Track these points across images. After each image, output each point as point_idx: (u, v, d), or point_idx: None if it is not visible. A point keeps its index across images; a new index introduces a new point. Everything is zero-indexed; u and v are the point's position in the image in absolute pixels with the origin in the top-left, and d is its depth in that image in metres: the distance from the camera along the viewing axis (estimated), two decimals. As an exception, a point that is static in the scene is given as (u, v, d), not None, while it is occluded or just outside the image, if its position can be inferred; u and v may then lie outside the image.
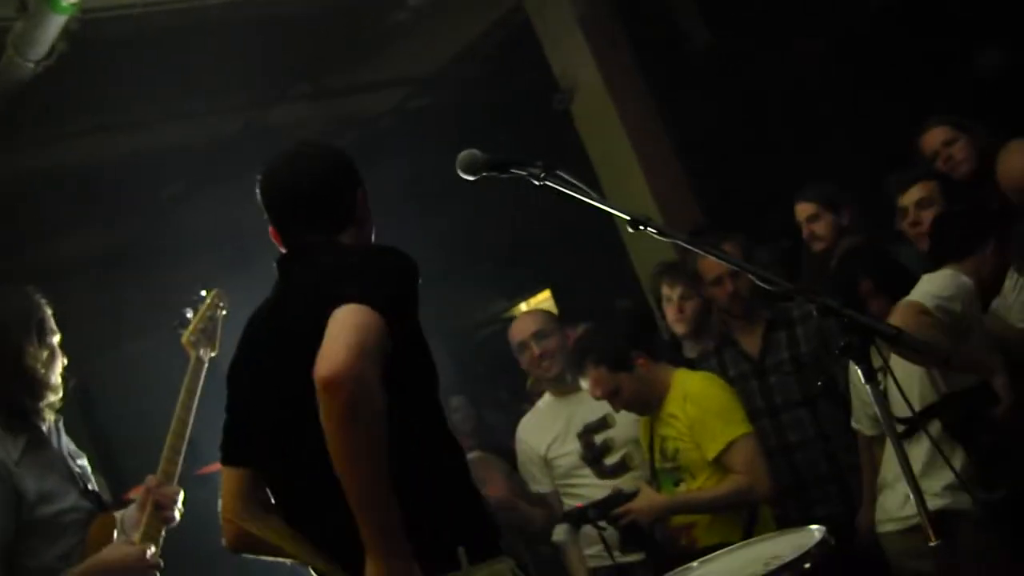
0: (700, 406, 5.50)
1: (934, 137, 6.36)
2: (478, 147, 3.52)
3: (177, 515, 4.78)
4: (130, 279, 11.07)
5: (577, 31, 8.62)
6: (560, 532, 5.74)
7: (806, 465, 5.98)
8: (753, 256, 6.72)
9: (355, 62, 9.55)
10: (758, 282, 3.15)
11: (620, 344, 5.65)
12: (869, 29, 9.47)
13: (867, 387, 3.04)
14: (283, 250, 3.66)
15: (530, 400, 6.90)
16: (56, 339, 4.68)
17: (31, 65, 6.41)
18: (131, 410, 6.32)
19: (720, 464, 5.48)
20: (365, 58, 9.59)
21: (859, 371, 3.02)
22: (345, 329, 3.04)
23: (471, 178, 3.52)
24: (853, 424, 5.76)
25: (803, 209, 6.69)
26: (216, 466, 4.55)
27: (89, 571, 4.47)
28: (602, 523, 5.49)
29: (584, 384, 5.70)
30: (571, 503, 5.99)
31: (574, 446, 6.15)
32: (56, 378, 4.63)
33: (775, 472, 5.65)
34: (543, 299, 14.34)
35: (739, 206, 9.22)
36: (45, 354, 4.59)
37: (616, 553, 5.58)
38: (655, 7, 9.74)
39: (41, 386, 4.56)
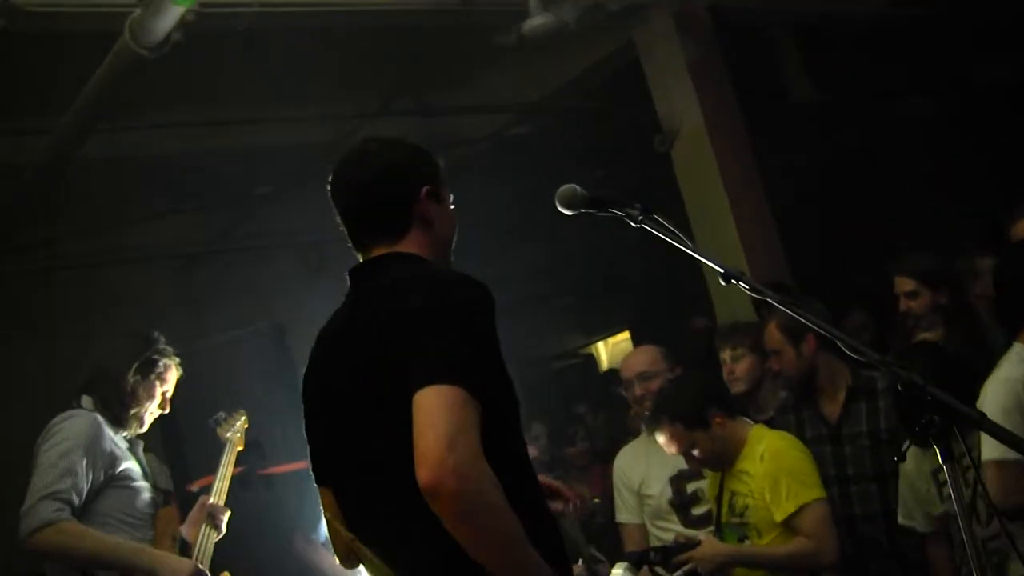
0: (775, 465, 5.45)
1: None
2: (574, 181, 3.50)
3: (224, 528, 5.68)
4: (213, 272, 11.16)
5: (685, 75, 8.61)
6: (619, 573, 5.71)
7: (868, 539, 5.89)
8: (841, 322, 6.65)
9: (459, 83, 9.60)
10: (845, 349, 3.10)
11: (696, 401, 5.61)
12: (979, 99, 9.39)
13: (945, 467, 2.99)
14: (356, 255, 3.63)
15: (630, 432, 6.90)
16: (159, 384, 5.61)
17: (144, 52, 6.46)
18: (202, 401, 6.38)
19: (789, 526, 5.42)
20: (469, 80, 9.64)
21: (938, 452, 2.96)
22: (431, 422, 2.99)
23: (569, 213, 3.50)
24: (902, 520, 5.67)
25: (902, 283, 6.57)
26: (279, 468, 4.70)
27: (160, 559, 5.22)
28: (660, 569, 5.44)
29: (660, 440, 5.68)
30: (655, 542, 5.96)
31: (665, 489, 6.12)
32: (144, 411, 5.56)
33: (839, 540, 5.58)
34: (621, 339, 14.33)
35: (828, 267, 9.16)
36: (141, 388, 5.53)
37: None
38: (763, 59, 9.73)
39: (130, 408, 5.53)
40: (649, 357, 6.57)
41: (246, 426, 6.24)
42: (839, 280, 8.40)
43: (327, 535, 3.59)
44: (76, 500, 5.10)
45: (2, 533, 5.39)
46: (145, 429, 5.63)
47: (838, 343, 3.13)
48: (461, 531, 2.98)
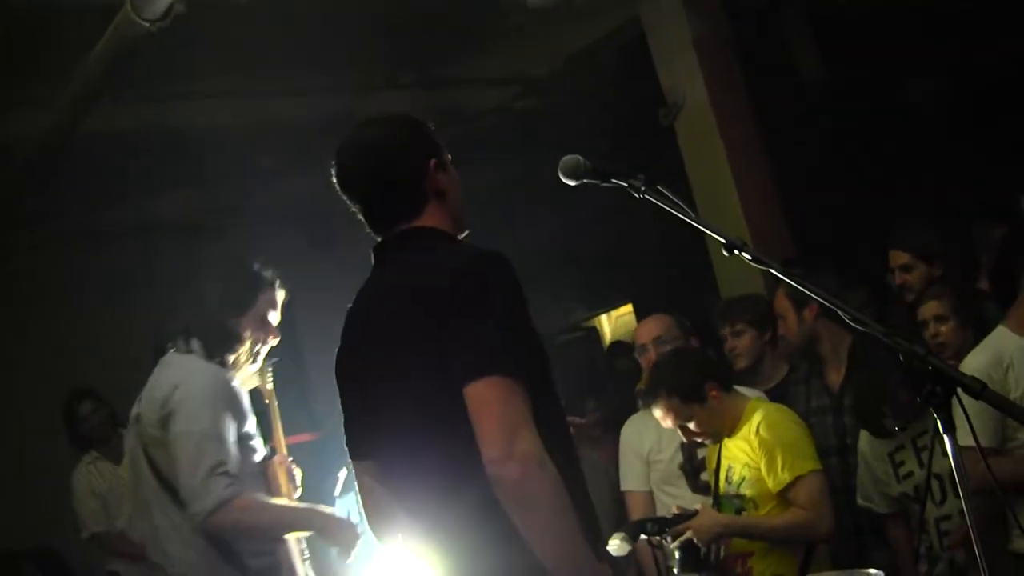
0: (772, 438, 5.47)
1: None
2: (580, 154, 3.51)
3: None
4: (216, 246, 11.18)
5: (690, 50, 8.60)
6: (616, 543, 5.72)
7: (866, 508, 5.91)
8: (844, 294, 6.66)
9: (465, 56, 9.58)
10: (849, 321, 3.11)
11: (692, 375, 5.62)
12: (991, 76, 9.36)
13: (945, 437, 2.99)
14: (375, 235, 3.64)
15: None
16: (266, 315, 5.31)
17: (146, 24, 6.46)
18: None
19: (785, 498, 5.45)
20: (475, 53, 9.62)
21: (938, 421, 2.97)
22: (491, 415, 3.09)
23: (572, 183, 3.52)
24: (860, 502, 5.73)
25: (897, 257, 6.59)
26: (300, 437, 4.76)
27: (329, 522, 5.17)
28: (658, 539, 5.46)
29: (656, 413, 5.69)
30: (662, 510, 5.97)
31: (676, 454, 6.14)
32: (256, 351, 5.33)
33: (836, 511, 5.61)
34: (624, 312, 14.32)
35: (831, 241, 9.15)
36: (245, 322, 5.25)
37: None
38: (771, 36, 9.70)
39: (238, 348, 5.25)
40: (664, 323, 6.60)
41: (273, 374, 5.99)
42: (843, 256, 8.38)
43: (347, 509, 3.64)
44: (234, 468, 4.99)
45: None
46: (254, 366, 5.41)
47: (840, 313, 3.14)
48: (522, 518, 3.07)
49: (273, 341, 5.37)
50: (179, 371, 5.12)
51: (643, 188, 3.41)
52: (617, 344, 11.70)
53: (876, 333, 3.04)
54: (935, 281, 6.39)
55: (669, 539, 5.40)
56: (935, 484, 5.33)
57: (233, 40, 7.83)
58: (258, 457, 5.24)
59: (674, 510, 5.60)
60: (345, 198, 3.64)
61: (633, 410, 6.68)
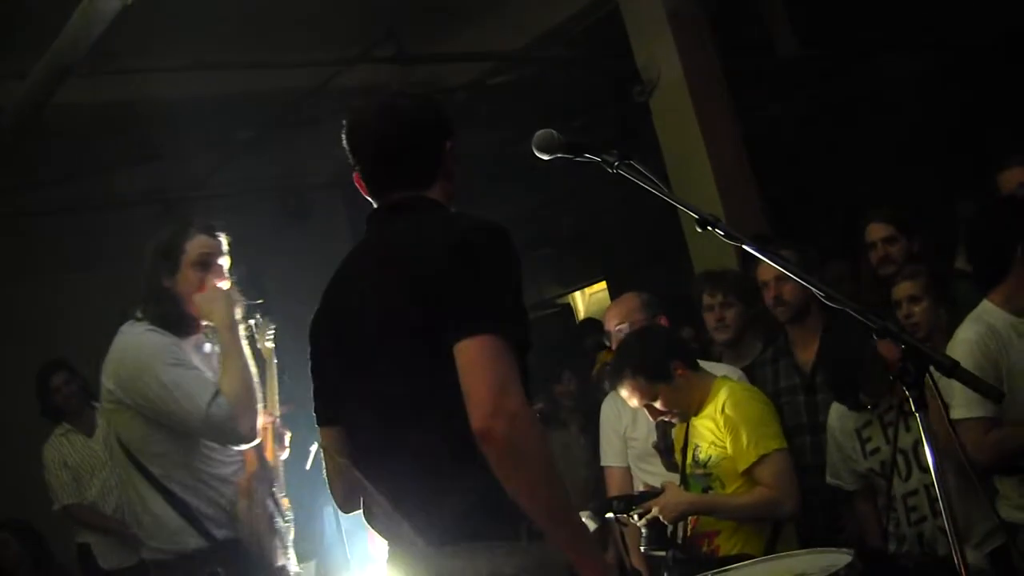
0: (737, 417, 5.47)
1: (1013, 177, 6.27)
2: (554, 129, 3.50)
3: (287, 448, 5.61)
4: (189, 216, 11.16)
5: (665, 26, 8.60)
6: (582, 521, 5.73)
7: (836, 486, 5.93)
8: (818, 269, 6.66)
9: (439, 31, 9.56)
10: (820, 296, 3.11)
11: (658, 353, 5.62)
12: (968, 53, 9.38)
13: (918, 415, 3.00)
14: (370, 199, 3.62)
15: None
16: (203, 272, 5.20)
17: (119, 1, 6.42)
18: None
19: (751, 476, 5.46)
20: (450, 29, 9.60)
21: (911, 397, 2.98)
22: (482, 370, 3.08)
23: (545, 158, 3.50)
24: (829, 479, 5.74)
25: (878, 230, 6.58)
26: None
27: None
28: (624, 517, 5.47)
29: (622, 393, 5.69)
30: (640, 487, 5.99)
31: (650, 433, 6.14)
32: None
33: (807, 489, 5.62)
34: (598, 289, 14.35)
35: (804, 218, 9.17)
36: (180, 277, 5.15)
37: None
38: (746, 11, 9.70)
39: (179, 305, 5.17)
40: (630, 305, 6.59)
41: (275, 334, 6.01)
42: (816, 231, 8.41)
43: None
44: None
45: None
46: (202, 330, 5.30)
47: (813, 290, 3.14)
48: (510, 475, 3.06)
49: (225, 285, 5.27)
50: (123, 340, 5.13)
51: (616, 163, 3.39)
52: (587, 321, 11.71)
53: (850, 309, 3.04)
54: (913, 256, 6.41)
55: (636, 517, 5.41)
56: (900, 460, 5.35)
57: (207, 14, 7.79)
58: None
59: (640, 488, 5.61)
60: (352, 154, 3.60)
61: (598, 388, 6.69)
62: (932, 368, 2.96)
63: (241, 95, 9.37)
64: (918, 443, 5.19)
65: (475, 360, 3.09)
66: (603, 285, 13.84)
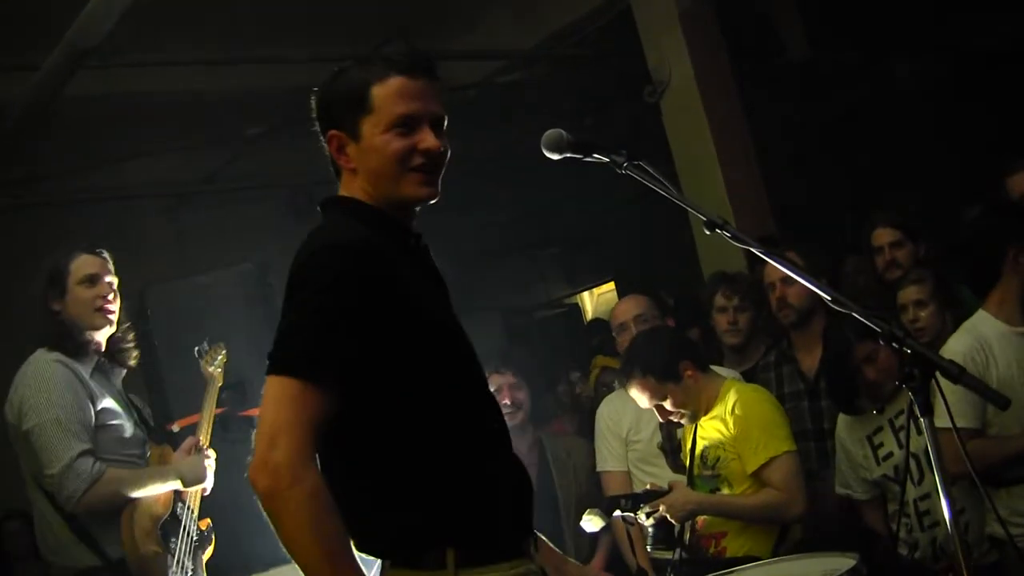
0: (746, 418, 5.47)
1: (1021, 181, 6.25)
2: (564, 129, 3.48)
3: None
4: (200, 212, 11.16)
5: (677, 27, 8.59)
6: (590, 520, 5.72)
7: (846, 496, 5.91)
8: (827, 273, 6.65)
9: (451, 29, 9.55)
10: (827, 300, 3.10)
11: (668, 354, 5.62)
12: (979, 57, 9.35)
13: (923, 420, 2.99)
14: None
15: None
16: (86, 292, 5.28)
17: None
18: (184, 340, 6.37)
19: (759, 478, 5.45)
20: (461, 26, 9.59)
21: (915, 403, 2.97)
22: (263, 415, 2.97)
23: (555, 157, 3.48)
24: (839, 490, 5.72)
25: (885, 234, 6.57)
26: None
27: (179, 466, 5.39)
28: (631, 516, 5.46)
29: (631, 392, 5.68)
30: (639, 488, 5.98)
31: (655, 433, 6.14)
32: (89, 329, 5.29)
33: (811, 494, 5.61)
34: (607, 289, 14.35)
35: (813, 220, 9.16)
36: (70, 304, 5.25)
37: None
38: (759, 14, 9.69)
39: (75, 331, 5.26)
40: (643, 301, 6.61)
41: (226, 360, 6.10)
42: (825, 234, 8.39)
43: None
44: (96, 448, 5.09)
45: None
46: (103, 349, 5.38)
47: (819, 294, 3.14)
48: (272, 525, 2.93)
49: (111, 296, 5.35)
50: (22, 368, 5.21)
51: (625, 163, 3.37)
52: (595, 321, 11.71)
53: (856, 313, 3.03)
54: (919, 260, 6.40)
55: (643, 516, 5.40)
56: (913, 464, 5.33)
57: (218, 8, 7.79)
58: (130, 439, 5.31)
59: (647, 486, 5.60)
60: None
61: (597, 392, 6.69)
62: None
63: (251, 91, 9.37)
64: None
65: (264, 401, 2.98)
66: (611, 285, 13.84)
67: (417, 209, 3.39)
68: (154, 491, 5.21)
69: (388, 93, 3.29)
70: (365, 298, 3.02)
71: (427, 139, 3.28)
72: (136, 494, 5.13)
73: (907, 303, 5.85)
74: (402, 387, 3.08)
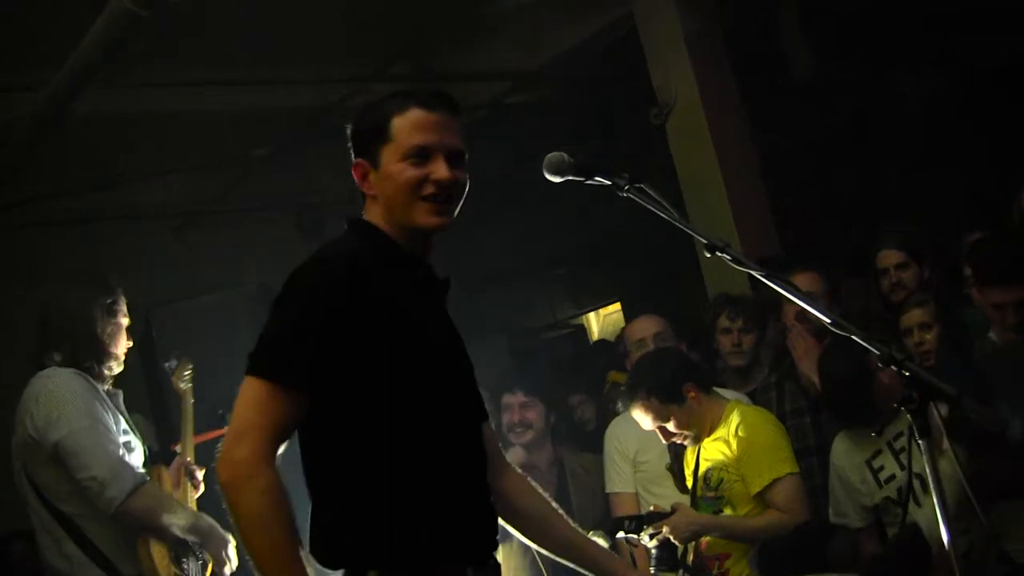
0: (750, 440, 5.49)
1: None
2: (569, 150, 3.51)
3: (202, 485, 5.71)
4: (206, 232, 11.18)
5: (682, 47, 8.58)
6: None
7: (842, 525, 5.90)
8: (839, 292, 6.65)
9: (456, 50, 9.57)
10: (826, 322, 3.12)
11: (672, 375, 5.63)
12: (984, 81, 9.35)
13: (921, 443, 3.00)
14: None
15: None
16: (124, 320, 5.43)
17: (138, 10, 6.44)
18: (192, 359, 6.41)
19: (762, 499, 5.46)
20: (468, 47, 9.61)
21: (914, 425, 2.98)
22: (234, 412, 3.15)
23: (556, 180, 3.52)
24: (833, 519, 5.69)
25: (891, 256, 6.58)
26: None
27: (200, 518, 5.32)
28: (635, 537, 5.47)
29: (635, 414, 5.70)
30: (647, 508, 5.98)
31: (663, 452, 6.13)
32: (119, 356, 5.41)
33: (816, 510, 5.61)
34: (613, 310, 14.33)
35: (819, 241, 9.16)
36: (110, 329, 5.34)
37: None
38: (763, 33, 9.70)
39: (106, 355, 5.34)
40: (661, 321, 6.64)
41: (194, 375, 6.20)
42: (831, 254, 8.38)
43: None
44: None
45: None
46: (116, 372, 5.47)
47: (819, 316, 3.15)
48: (231, 512, 3.11)
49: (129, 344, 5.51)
50: (35, 383, 5.21)
51: (626, 186, 3.42)
52: (600, 343, 11.70)
53: (856, 336, 3.04)
54: (924, 282, 6.41)
55: (647, 537, 5.41)
56: (917, 484, 5.33)
57: (225, 28, 7.82)
58: (136, 460, 5.30)
59: (651, 508, 5.62)
60: None
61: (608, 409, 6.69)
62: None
63: (257, 111, 9.39)
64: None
65: (237, 400, 3.15)
66: (618, 306, 13.82)
67: (432, 239, 3.54)
68: (178, 526, 5.19)
69: (406, 124, 3.45)
70: (340, 308, 3.20)
71: (439, 170, 3.43)
72: (167, 519, 5.14)
73: (912, 326, 5.86)
74: (362, 402, 3.23)
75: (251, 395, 3.13)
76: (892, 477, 5.42)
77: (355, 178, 3.55)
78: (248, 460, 3.06)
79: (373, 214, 3.51)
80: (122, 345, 5.41)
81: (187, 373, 6.14)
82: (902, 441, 5.35)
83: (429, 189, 3.42)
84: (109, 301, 5.36)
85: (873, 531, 5.58)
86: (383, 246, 3.45)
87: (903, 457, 5.34)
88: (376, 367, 3.23)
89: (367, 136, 3.51)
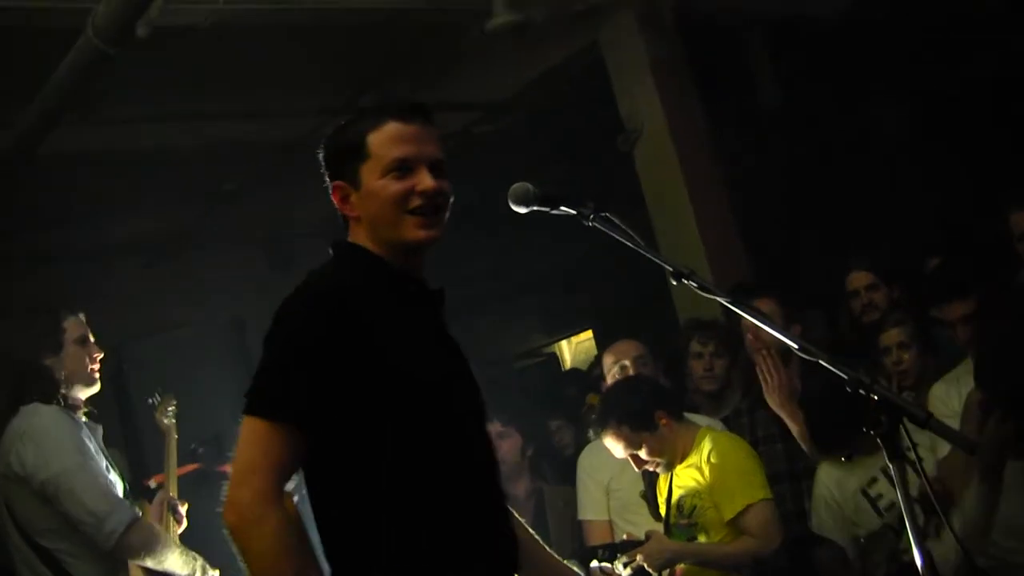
0: (722, 466, 5.49)
1: None
2: (538, 180, 3.50)
3: (184, 520, 5.76)
4: (176, 266, 11.16)
5: (648, 74, 8.62)
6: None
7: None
8: (801, 319, 6.66)
9: (424, 81, 9.59)
10: (793, 347, 3.13)
11: (643, 403, 5.63)
12: (950, 106, 9.41)
13: (891, 465, 3.01)
14: None
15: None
16: (76, 346, 5.37)
17: (108, 48, 6.45)
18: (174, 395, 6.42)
19: (735, 526, 5.46)
20: (435, 78, 9.63)
21: (883, 449, 2.99)
22: (236, 454, 3.08)
23: (522, 211, 3.52)
24: (816, 529, 5.69)
25: (861, 278, 6.64)
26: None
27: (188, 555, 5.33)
28: (608, 566, 5.46)
29: (606, 442, 5.70)
30: (621, 537, 5.97)
31: (636, 480, 6.13)
32: (83, 384, 5.41)
33: (789, 535, 5.62)
34: (584, 338, 14.34)
35: (787, 266, 9.19)
36: (63, 360, 5.32)
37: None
38: (730, 60, 9.74)
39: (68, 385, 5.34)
40: (639, 346, 6.63)
41: (177, 410, 6.24)
42: (797, 279, 8.42)
43: None
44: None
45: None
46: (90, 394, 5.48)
47: (787, 342, 3.16)
48: (242, 561, 3.04)
49: (99, 356, 5.47)
50: (20, 421, 5.19)
51: (592, 215, 3.42)
52: (571, 372, 11.71)
53: (823, 361, 3.05)
54: (894, 303, 6.44)
55: (621, 566, 5.40)
56: (918, 508, 5.30)
57: (194, 62, 7.82)
58: (118, 491, 5.28)
59: (624, 536, 5.61)
60: None
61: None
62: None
63: (226, 145, 9.39)
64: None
65: (238, 441, 3.08)
66: (589, 334, 13.84)
67: (422, 254, 3.47)
68: (172, 565, 5.21)
69: (383, 139, 3.39)
70: (331, 338, 3.11)
71: (424, 180, 3.37)
72: (162, 556, 5.16)
73: (891, 345, 5.88)
74: (363, 433, 3.15)
75: (250, 435, 3.06)
76: (892, 504, 5.35)
77: (335, 202, 3.45)
78: (254, 502, 3.00)
79: (358, 236, 3.42)
80: (82, 370, 5.37)
81: (171, 409, 6.16)
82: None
83: (416, 202, 3.35)
84: (53, 335, 5.34)
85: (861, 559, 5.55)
86: (372, 267, 3.36)
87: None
88: (374, 395, 3.14)
89: (343, 156, 3.43)
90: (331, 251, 3.47)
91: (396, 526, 3.14)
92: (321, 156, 3.52)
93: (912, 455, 3.07)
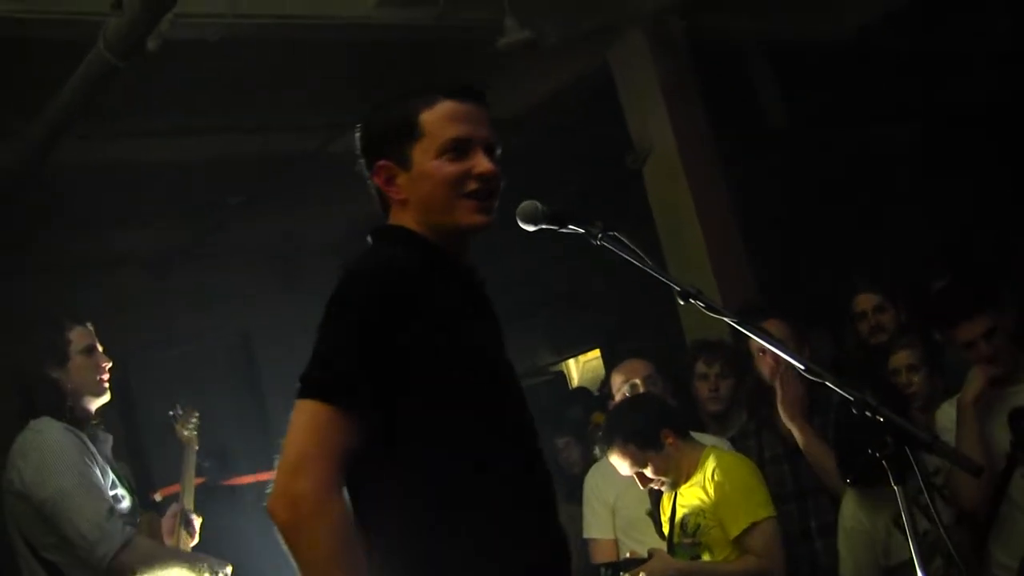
0: (726, 485, 5.47)
1: None
2: (547, 198, 3.46)
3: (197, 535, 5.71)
4: (184, 281, 11.16)
5: (658, 94, 8.64)
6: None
7: (826, 552, 5.90)
8: (807, 339, 6.65)
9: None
10: (799, 369, 3.12)
11: (649, 422, 5.62)
12: (955, 127, 9.42)
13: (896, 489, 3.00)
14: None
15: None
16: (83, 356, 5.34)
17: (117, 61, 6.46)
18: (168, 409, 6.39)
19: (740, 544, 5.45)
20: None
21: (890, 473, 2.98)
22: (289, 441, 2.85)
23: (530, 229, 3.45)
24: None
25: (869, 299, 6.63)
26: (243, 478, 4.77)
27: (195, 558, 5.36)
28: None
29: (612, 460, 5.68)
30: (626, 555, 5.96)
31: (642, 498, 6.11)
32: (91, 397, 5.37)
33: (795, 556, 5.60)
34: (592, 357, 14.32)
35: (795, 287, 9.19)
36: (69, 372, 5.29)
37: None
38: (738, 82, 9.76)
39: (76, 396, 5.30)
40: (649, 365, 6.61)
41: (199, 423, 6.19)
42: (804, 300, 8.43)
43: None
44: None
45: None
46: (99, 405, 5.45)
47: (794, 363, 3.16)
48: (292, 557, 2.80)
49: (107, 365, 5.43)
50: (26, 436, 5.20)
51: (600, 235, 3.35)
52: (578, 390, 11.68)
53: (828, 382, 3.04)
54: (902, 325, 6.44)
55: (623, 584, 5.39)
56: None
57: (204, 78, 7.84)
58: (124, 506, 5.26)
59: (628, 554, 5.59)
60: None
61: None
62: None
63: (236, 159, 9.40)
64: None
65: (290, 427, 2.87)
66: (596, 353, 13.82)
67: (469, 240, 3.35)
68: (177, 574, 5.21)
69: (438, 117, 3.22)
70: (395, 320, 2.93)
71: (481, 163, 3.24)
72: (161, 571, 5.12)
73: (900, 367, 5.88)
74: (422, 421, 2.97)
75: (309, 421, 2.84)
76: (926, 533, 5.26)
77: (377, 183, 3.27)
78: (313, 494, 2.77)
79: (403, 219, 3.24)
80: (89, 380, 5.34)
81: (192, 421, 6.12)
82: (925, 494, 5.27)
83: (472, 185, 3.22)
84: (58, 347, 5.30)
85: None
86: (424, 249, 3.18)
87: (931, 511, 5.26)
88: (443, 378, 2.98)
89: (391, 135, 3.24)
90: (369, 239, 3.28)
91: (468, 512, 2.98)
92: (358, 135, 3.35)
93: (928, 480, 3.06)
